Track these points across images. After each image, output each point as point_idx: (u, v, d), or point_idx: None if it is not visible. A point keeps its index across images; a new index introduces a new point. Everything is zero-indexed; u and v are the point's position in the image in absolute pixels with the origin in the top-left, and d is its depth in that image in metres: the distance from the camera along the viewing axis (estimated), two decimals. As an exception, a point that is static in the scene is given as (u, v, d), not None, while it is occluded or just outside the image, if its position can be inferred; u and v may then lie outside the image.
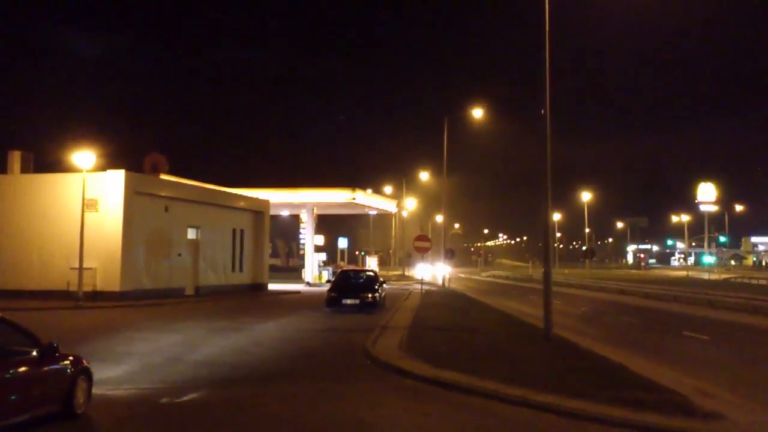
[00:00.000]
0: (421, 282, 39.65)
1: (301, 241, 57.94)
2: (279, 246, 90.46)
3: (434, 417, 10.08)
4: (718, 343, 21.64)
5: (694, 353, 18.99)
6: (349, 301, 26.54)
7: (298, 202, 51.27)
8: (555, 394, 10.97)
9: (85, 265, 27.94)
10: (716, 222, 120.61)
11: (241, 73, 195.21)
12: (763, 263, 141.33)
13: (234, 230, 40.32)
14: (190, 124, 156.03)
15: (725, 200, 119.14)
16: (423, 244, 34.76)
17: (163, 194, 33.74)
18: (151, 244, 32.03)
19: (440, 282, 52.38)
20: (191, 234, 35.71)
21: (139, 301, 28.90)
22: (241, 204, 41.90)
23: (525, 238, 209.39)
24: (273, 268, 54.73)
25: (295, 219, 64.41)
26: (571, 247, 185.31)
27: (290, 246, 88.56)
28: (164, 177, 38.15)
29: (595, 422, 9.76)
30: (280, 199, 48.22)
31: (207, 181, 42.66)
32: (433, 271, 67.81)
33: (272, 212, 47.64)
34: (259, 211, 43.10)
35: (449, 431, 9.37)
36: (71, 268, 28.49)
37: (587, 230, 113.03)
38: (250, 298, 36.63)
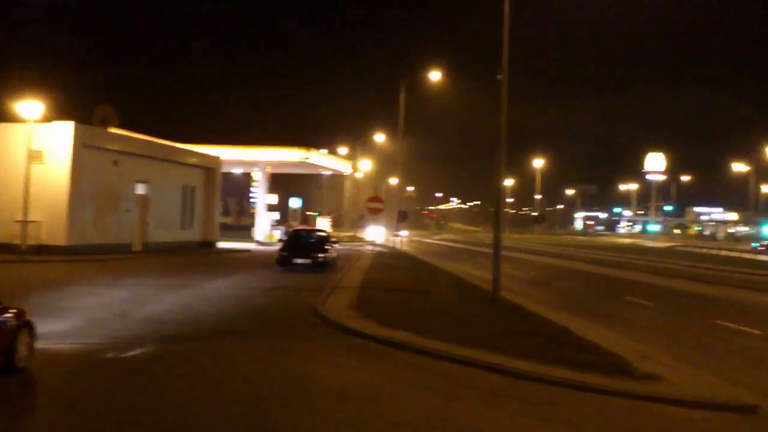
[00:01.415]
0: (373, 244, 39.77)
1: (253, 200, 57.40)
2: (230, 204, 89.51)
3: (383, 375, 10.18)
4: (659, 308, 22.29)
5: (636, 318, 19.53)
6: (300, 261, 26.48)
7: (251, 160, 50.67)
8: (501, 355, 11.19)
9: (30, 218, 27.25)
10: (663, 191, 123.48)
11: (196, 30, 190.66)
12: (706, 233, 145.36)
13: (184, 187, 39.72)
14: (141, 79, 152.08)
15: (672, 170, 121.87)
16: (376, 205, 34.82)
17: (112, 148, 32.96)
18: (98, 198, 31.37)
19: (392, 244, 52.61)
20: (140, 189, 35.05)
21: (86, 256, 28.35)
22: (193, 160, 41.23)
23: (477, 202, 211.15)
24: (224, 227, 54.23)
25: (248, 177, 63.78)
26: (522, 212, 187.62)
27: (242, 204, 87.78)
28: (114, 131, 37.21)
29: (539, 382, 10.00)
30: (232, 156, 47.57)
31: (158, 137, 41.76)
32: (385, 234, 68.08)
33: (224, 170, 47.04)
34: (210, 167, 42.50)
35: (397, 389, 9.47)
36: (16, 221, 27.73)
37: (538, 196, 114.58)
38: (199, 255, 36.29)
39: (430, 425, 7.79)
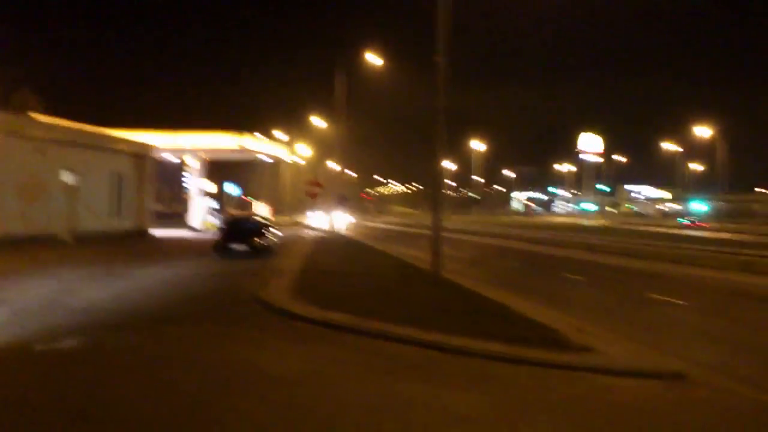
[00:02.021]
0: (313, 228, 39.58)
1: (187, 187, 56.34)
2: (164, 191, 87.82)
3: (323, 357, 10.14)
4: (593, 283, 22.85)
5: (571, 293, 19.97)
6: (238, 247, 26.17)
7: (184, 146, 49.71)
8: (441, 333, 11.29)
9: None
10: (597, 171, 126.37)
11: (125, 12, 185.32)
12: (638, 210, 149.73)
13: (114, 174, 38.66)
14: (65, 62, 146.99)
15: (606, 151, 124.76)
16: (314, 189, 34.66)
17: (34, 135, 31.85)
18: (22, 187, 30.34)
19: (332, 228, 52.48)
20: (67, 178, 33.99)
21: (11, 246, 27.39)
22: (122, 147, 40.13)
23: (417, 185, 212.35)
24: (158, 214, 53.12)
25: (182, 164, 62.49)
26: (461, 194, 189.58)
27: (177, 192, 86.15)
28: (37, 117, 35.91)
29: (478, 357, 10.14)
30: (164, 142, 46.57)
31: (87, 123, 40.48)
32: (325, 218, 67.89)
33: (157, 156, 46.00)
34: (141, 154, 41.46)
35: (340, 371, 9.45)
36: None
37: (476, 178, 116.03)
38: (132, 244, 35.43)
39: (373, 404, 7.80)
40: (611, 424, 7.62)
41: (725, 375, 10.23)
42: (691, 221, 78.40)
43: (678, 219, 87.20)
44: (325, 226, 56.49)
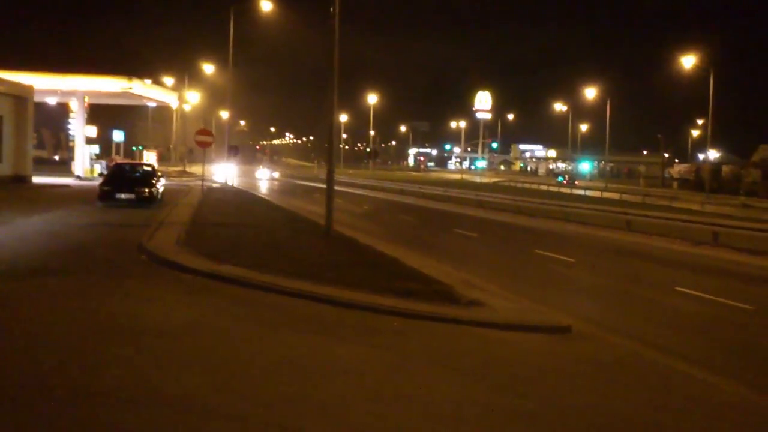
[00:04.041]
0: (202, 178, 38.45)
1: (71, 133, 53.28)
2: (46, 137, 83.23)
3: (212, 310, 9.86)
4: (484, 239, 23.40)
5: (463, 248, 20.38)
6: (123, 196, 25.06)
7: (68, 89, 46.84)
8: (332, 286, 11.22)
9: None
10: (490, 129, 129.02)
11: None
12: (529, 169, 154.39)
13: (-9, 117, 36.16)
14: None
15: (499, 109, 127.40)
16: (205, 138, 33.48)
17: None
18: None
19: (223, 179, 51.25)
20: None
21: None
22: (0, 88, 37.49)
23: (311, 138, 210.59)
24: (39, 161, 50.36)
25: (65, 108, 59.09)
26: (356, 148, 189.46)
27: (58, 137, 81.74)
28: None
29: (369, 311, 10.14)
30: (46, 85, 43.73)
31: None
32: (216, 168, 66.33)
33: (37, 99, 43.21)
34: (20, 96, 38.83)
35: (227, 323, 9.21)
36: None
37: (372, 132, 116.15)
38: (11, 191, 33.36)
39: (261, 357, 7.63)
40: (497, 376, 7.78)
41: (608, 329, 10.69)
42: (564, 180, 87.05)
43: (558, 178, 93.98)
44: (216, 177, 55.19)
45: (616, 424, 6.44)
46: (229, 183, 49.12)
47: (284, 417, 5.79)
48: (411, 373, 7.54)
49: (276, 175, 71.56)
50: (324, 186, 20.38)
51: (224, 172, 51.93)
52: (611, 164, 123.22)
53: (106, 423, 5.41)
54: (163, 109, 71.12)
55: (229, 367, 7.12)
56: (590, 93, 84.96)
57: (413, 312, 10.08)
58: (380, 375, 7.38)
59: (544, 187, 70.47)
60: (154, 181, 26.79)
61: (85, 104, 48.12)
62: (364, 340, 8.81)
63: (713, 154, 76.78)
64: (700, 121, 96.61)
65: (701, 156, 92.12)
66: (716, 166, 79.29)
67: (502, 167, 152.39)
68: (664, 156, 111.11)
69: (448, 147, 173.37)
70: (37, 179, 40.28)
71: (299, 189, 54.53)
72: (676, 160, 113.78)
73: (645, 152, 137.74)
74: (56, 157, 76.18)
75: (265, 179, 64.00)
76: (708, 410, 7.27)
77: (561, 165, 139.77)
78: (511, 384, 7.46)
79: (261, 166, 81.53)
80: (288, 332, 9.01)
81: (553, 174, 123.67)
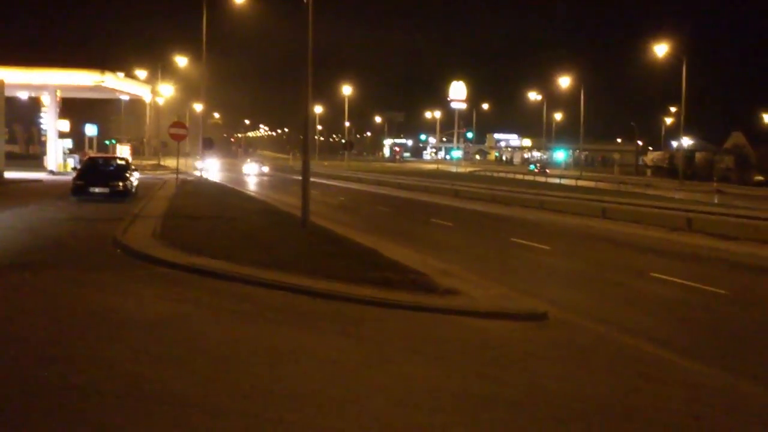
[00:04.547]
0: (177, 171, 38.11)
1: (43, 127, 52.52)
2: (17, 132, 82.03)
3: (189, 302, 9.80)
4: (460, 229, 23.47)
5: (439, 238, 20.42)
6: (97, 190, 24.79)
7: (39, 83, 46.13)
8: (309, 277, 11.19)
9: None
10: (465, 119, 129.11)
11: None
12: (504, 158, 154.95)
13: (-40, 111, 35.53)
14: None
15: (474, 99, 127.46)
16: (179, 131, 33.23)
17: None
18: None
19: (198, 173, 50.83)
20: None
21: None
22: (-32, 82, 36.85)
23: (286, 130, 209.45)
24: (10, 156, 49.55)
25: (36, 102, 58.23)
26: (331, 139, 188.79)
27: (31, 132, 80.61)
28: None
29: (347, 301, 10.13)
30: (16, 79, 43.02)
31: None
32: (191, 161, 65.74)
33: (8, 93, 42.58)
34: (-10, 90, 38.24)
35: (204, 315, 9.16)
36: None
37: (347, 123, 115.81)
38: (-18, 187, 32.90)
39: (238, 348, 7.60)
40: (474, 363, 7.82)
41: (585, 315, 10.78)
42: (537, 168, 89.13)
43: (530, 166, 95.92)
44: (190, 170, 54.73)
45: (592, 408, 6.51)
46: (205, 175, 48.71)
47: (262, 408, 5.79)
48: (388, 362, 7.55)
49: (266, 169, 67.79)
50: (299, 178, 20.30)
51: (200, 165, 51.40)
52: (586, 153, 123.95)
53: (83, 417, 5.37)
54: (136, 103, 70.16)
55: (207, 359, 7.09)
56: (564, 82, 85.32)
57: (390, 301, 10.09)
58: (357, 364, 7.39)
59: (519, 176, 70.83)
60: (127, 175, 26.52)
61: (58, 98, 47.43)
62: (343, 330, 8.80)
63: (687, 142, 77.54)
64: (673, 109, 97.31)
65: (675, 143, 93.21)
66: (690, 153, 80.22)
67: (478, 157, 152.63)
68: (638, 144, 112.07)
69: (423, 137, 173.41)
70: (9, 174, 39.65)
71: (275, 180, 54.29)
72: (650, 148, 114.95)
73: (619, 140, 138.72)
74: (29, 152, 75.19)
75: (253, 175, 62.15)
76: (682, 392, 7.37)
77: (536, 154, 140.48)
78: (488, 371, 7.50)
79: (249, 160, 77.05)
80: (265, 323, 8.99)
81: (527, 163, 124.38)
